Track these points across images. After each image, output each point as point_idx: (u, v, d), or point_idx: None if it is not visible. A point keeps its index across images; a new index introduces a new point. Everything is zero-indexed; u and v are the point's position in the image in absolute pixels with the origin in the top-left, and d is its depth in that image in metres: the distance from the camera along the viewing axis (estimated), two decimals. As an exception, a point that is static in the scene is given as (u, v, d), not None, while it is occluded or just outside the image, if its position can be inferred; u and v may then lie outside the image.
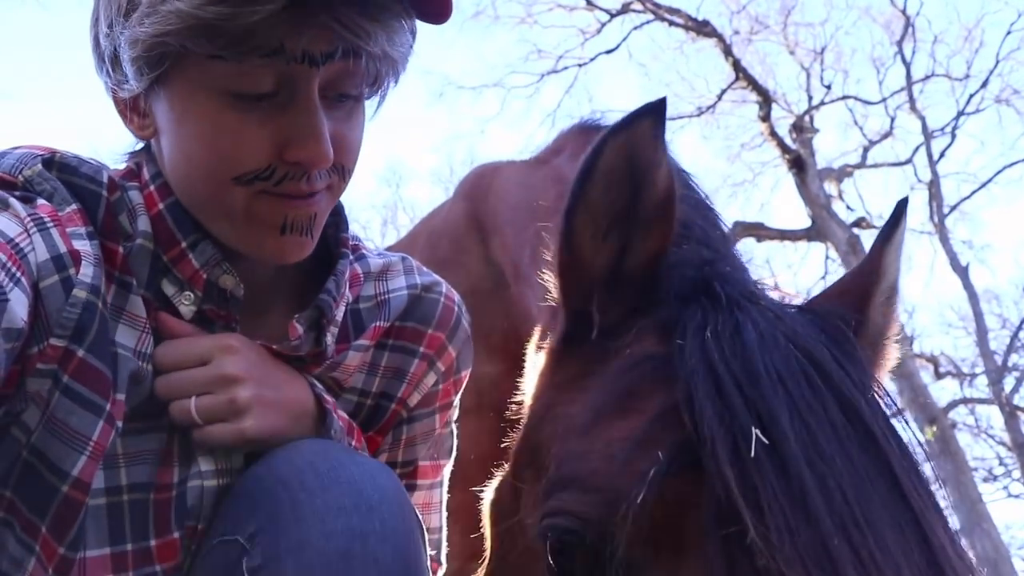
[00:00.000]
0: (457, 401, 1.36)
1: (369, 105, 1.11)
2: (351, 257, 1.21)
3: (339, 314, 1.16)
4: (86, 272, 0.97)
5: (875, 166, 14.79)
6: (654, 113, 0.95)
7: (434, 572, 1.33)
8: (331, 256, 1.18)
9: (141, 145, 1.13)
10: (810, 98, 14.22)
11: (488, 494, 1.11)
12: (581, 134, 1.93)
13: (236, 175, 1.00)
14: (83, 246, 0.98)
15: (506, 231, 1.93)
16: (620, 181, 0.98)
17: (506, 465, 1.08)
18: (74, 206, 1.01)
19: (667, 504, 0.79)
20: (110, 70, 1.04)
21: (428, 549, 1.08)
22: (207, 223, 1.06)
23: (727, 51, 12.97)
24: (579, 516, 0.84)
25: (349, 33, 0.96)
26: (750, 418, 0.79)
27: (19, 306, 0.89)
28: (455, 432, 1.38)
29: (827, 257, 13.21)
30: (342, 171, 1.06)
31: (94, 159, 1.09)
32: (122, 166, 1.14)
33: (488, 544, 1.10)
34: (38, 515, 0.97)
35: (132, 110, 1.07)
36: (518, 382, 1.13)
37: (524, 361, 1.54)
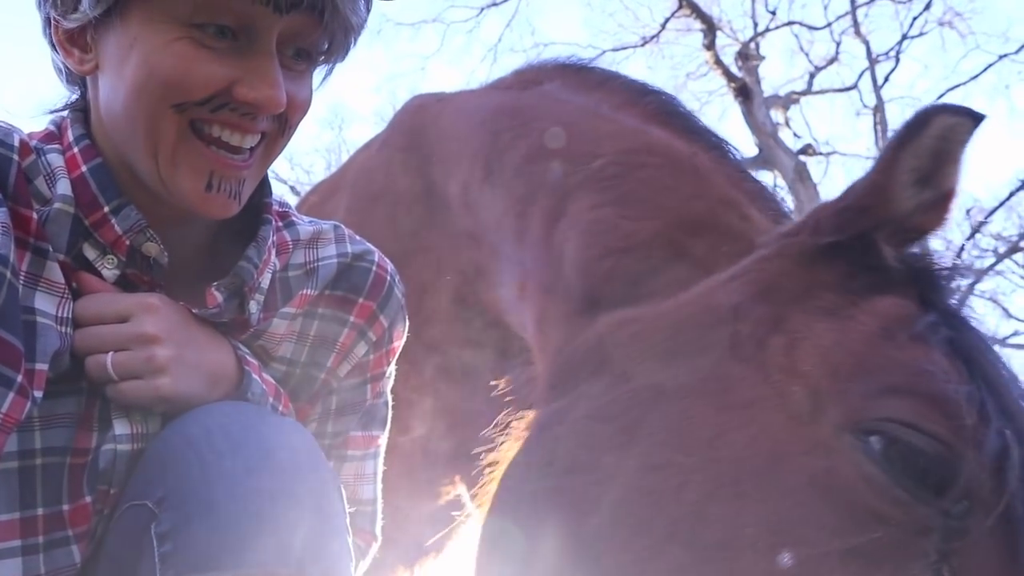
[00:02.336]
0: (391, 372, 1.34)
1: (316, 75, 1.12)
2: (280, 224, 1.20)
3: (264, 282, 1.14)
4: None
5: (821, 92, 14.81)
6: (978, 121, 1.12)
7: (368, 544, 1.31)
8: (255, 222, 1.16)
9: (63, 106, 1.12)
10: (755, 24, 14.16)
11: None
12: (567, 70, 1.79)
13: (176, 101, 0.98)
14: None
15: (456, 158, 1.76)
16: (932, 153, 1.13)
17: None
18: None
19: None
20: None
21: (346, 511, 1.05)
22: (135, 162, 1.03)
23: (670, -22, 12.74)
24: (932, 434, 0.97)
25: None
26: None
27: None
28: (390, 403, 1.35)
29: (775, 185, 13.23)
30: (285, 125, 1.06)
31: (4, 122, 1.06)
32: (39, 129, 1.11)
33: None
34: None
35: (73, 43, 1.05)
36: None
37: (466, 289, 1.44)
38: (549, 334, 1.43)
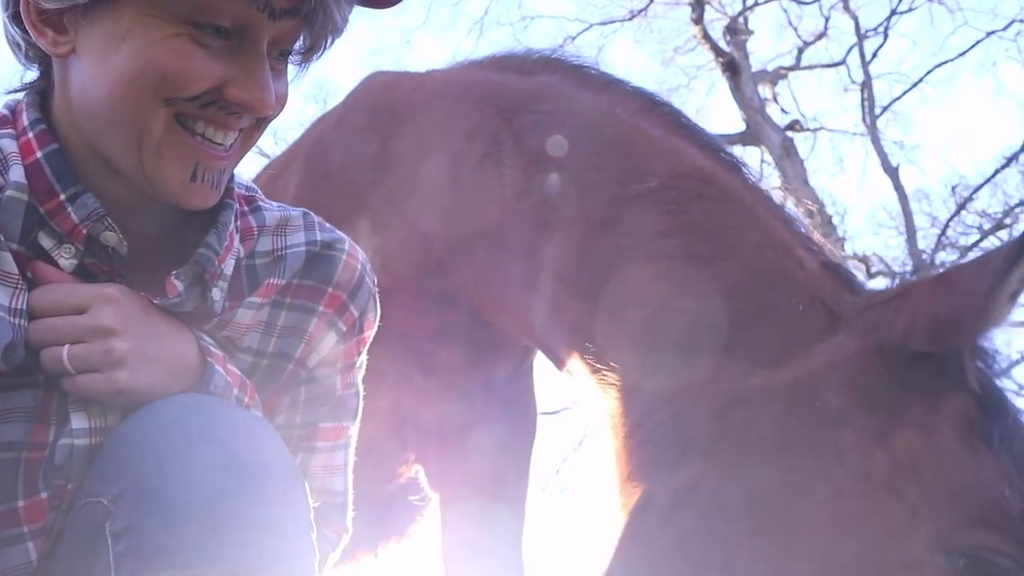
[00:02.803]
0: (361, 361, 1.32)
1: (292, 70, 1.12)
2: (245, 208, 1.19)
3: (227, 268, 1.12)
4: None
5: (809, 68, 14.71)
6: None
7: (338, 536, 1.30)
8: (216, 208, 1.13)
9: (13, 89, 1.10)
10: (744, -1, 13.99)
11: None
12: (560, 64, 1.82)
13: (169, 96, 0.98)
14: None
15: (441, 133, 1.72)
16: None
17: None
18: None
19: None
20: None
21: (311, 506, 1.04)
22: (114, 153, 1.02)
23: (659, -49, 12.62)
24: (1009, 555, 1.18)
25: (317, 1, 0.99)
26: None
27: None
28: (360, 393, 1.34)
29: (762, 161, 13.22)
30: (261, 120, 1.06)
31: None
32: None
33: None
34: None
35: (47, 24, 1.01)
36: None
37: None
38: (612, 366, 1.45)
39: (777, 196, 1.58)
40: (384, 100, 1.90)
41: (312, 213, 1.27)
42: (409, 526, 2.53)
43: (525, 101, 1.67)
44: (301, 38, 1.05)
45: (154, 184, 1.01)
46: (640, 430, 1.39)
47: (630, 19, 13.90)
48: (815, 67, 14.88)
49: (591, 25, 13.39)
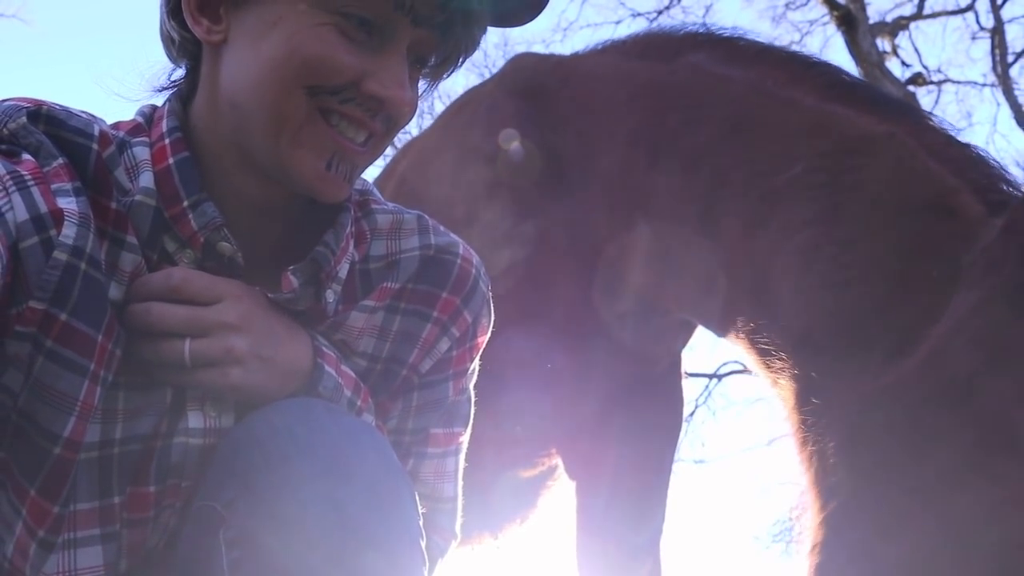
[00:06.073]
0: (474, 368, 1.32)
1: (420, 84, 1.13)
2: (358, 213, 1.19)
3: (342, 271, 1.13)
4: (68, 233, 0.95)
5: (932, 16, 13.92)
6: None
7: (447, 543, 1.29)
8: (335, 210, 1.15)
9: (154, 97, 1.14)
10: (859, -53, 13.33)
11: None
12: (708, 40, 1.73)
13: (311, 83, 1.00)
14: (68, 204, 0.96)
15: (602, 134, 1.68)
16: None
17: None
18: (60, 160, 0.98)
19: None
20: None
21: (420, 514, 1.04)
22: (252, 141, 1.04)
23: (768, -98, 12.14)
24: None
25: (458, 13, 1.03)
26: None
27: None
28: (472, 399, 1.34)
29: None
30: (393, 124, 1.07)
31: (85, 111, 1.06)
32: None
33: None
34: (28, 479, 0.97)
35: (203, 12, 1.05)
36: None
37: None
38: (783, 366, 1.38)
39: (959, 141, 1.44)
40: (534, 86, 1.87)
41: (426, 216, 1.27)
42: (534, 511, 2.56)
43: (674, 97, 1.62)
44: (436, 52, 1.07)
45: (289, 172, 1.03)
46: (811, 435, 1.31)
47: (739, -24, 13.45)
48: (939, 15, 14.10)
49: (698, -16, 13.00)
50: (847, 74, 1.59)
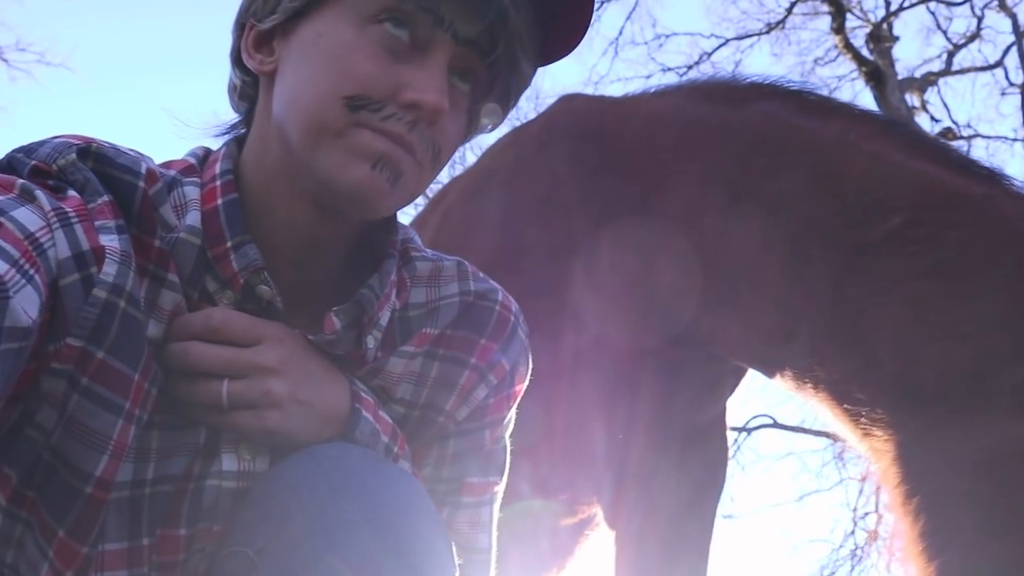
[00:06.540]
0: (511, 417, 1.29)
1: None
2: (400, 262, 1.18)
3: (383, 318, 1.11)
4: (108, 271, 0.94)
5: (961, 71, 13.96)
6: None
7: None
8: (379, 258, 1.14)
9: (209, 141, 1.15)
10: (887, 4, 13.46)
11: None
12: (776, 91, 1.70)
13: (349, 93, 0.99)
14: (110, 241, 0.95)
15: (671, 175, 1.66)
16: None
17: None
18: (105, 198, 0.98)
19: None
20: (263, 5, 1.07)
21: (456, 565, 1.03)
22: (294, 159, 1.04)
23: (796, -39, 12.32)
24: None
25: (499, 27, 1.01)
26: None
27: (28, 304, 0.85)
28: (508, 448, 1.31)
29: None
30: (436, 151, 1.04)
31: (133, 150, 1.07)
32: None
33: None
34: (57, 519, 0.95)
35: (259, 48, 1.08)
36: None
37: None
38: (877, 421, 1.34)
39: None
40: (589, 128, 1.85)
41: (465, 262, 1.25)
42: (571, 559, 2.52)
43: (754, 143, 1.59)
44: (480, 72, 1.06)
45: (330, 181, 1.01)
46: (913, 497, 1.26)
47: (767, 32, 13.58)
48: (968, 71, 14.13)
49: (727, 40, 13.13)
50: (928, 137, 1.58)
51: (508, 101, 1.12)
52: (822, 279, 1.44)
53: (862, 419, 1.39)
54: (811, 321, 1.44)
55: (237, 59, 1.13)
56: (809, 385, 1.48)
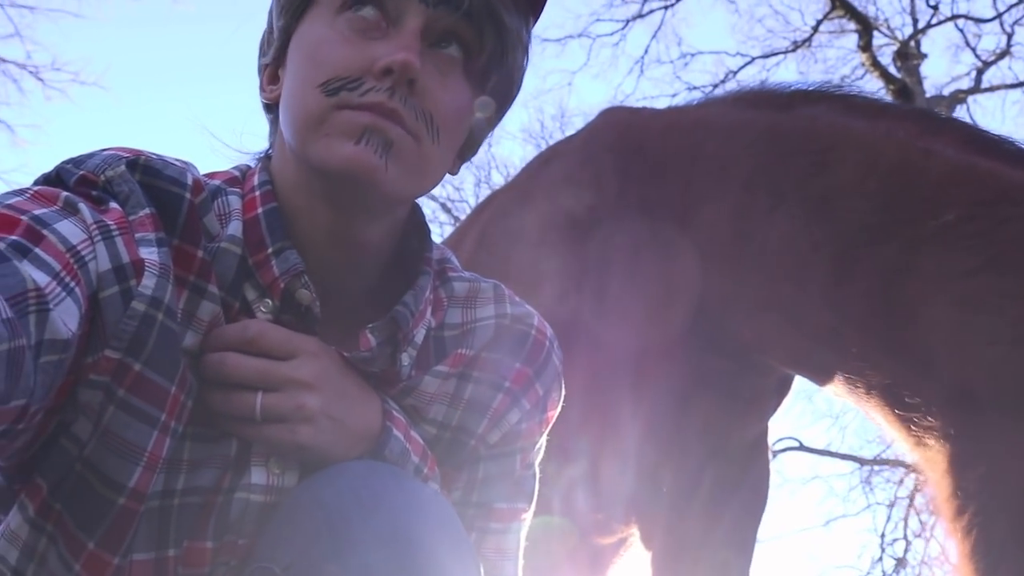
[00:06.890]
0: (542, 444, 1.27)
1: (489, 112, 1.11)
2: (436, 282, 1.18)
3: (418, 336, 1.11)
4: (147, 283, 0.95)
5: (991, 89, 13.85)
6: None
7: None
8: (413, 275, 1.14)
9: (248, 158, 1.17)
10: (915, 21, 13.41)
11: None
12: (821, 95, 1.66)
13: (323, 80, 1.00)
14: (149, 255, 0.96)
15: (711, 181, 1.63)
16: None
17: None
18: (147, 211, 0.99)
19: None
20: (266, 41, 1.13)
21: None
22: (297, 154, 1.05)
23: (823, -22, 12.32)
24: None
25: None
26: None
27: (68, 317, 0.86)
28: (538, 475, 1.29)
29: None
30: (428, 119, 1.02)
31: (180, 160, 1.08)
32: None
33: None
34: (86, 531, 0.95)
35: (271, 81, 1.13)
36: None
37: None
38: (931, 426, 1.29)
39: None
40: (632, 140, 1.83)
41: (502, 285, 1.24)
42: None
43: (799, 142, 1.55)
44: (457, 33, 1.04)
45: (323, 170, 1.01)
46: (963, 514, 1.21)
47: (793, 50, 13.55)
48: (997, 88, 14.02)
49: (753, 59, 13.10)
50: (984, 130, 1.53)
51: (505, 62, 1.09)
52: (871, 278, 1.40)
53: (914, 426, 1.34)
54: (861, 322, 1.40)
55: (264, 102, 1.17)
56: (860, 390, 1.44)
